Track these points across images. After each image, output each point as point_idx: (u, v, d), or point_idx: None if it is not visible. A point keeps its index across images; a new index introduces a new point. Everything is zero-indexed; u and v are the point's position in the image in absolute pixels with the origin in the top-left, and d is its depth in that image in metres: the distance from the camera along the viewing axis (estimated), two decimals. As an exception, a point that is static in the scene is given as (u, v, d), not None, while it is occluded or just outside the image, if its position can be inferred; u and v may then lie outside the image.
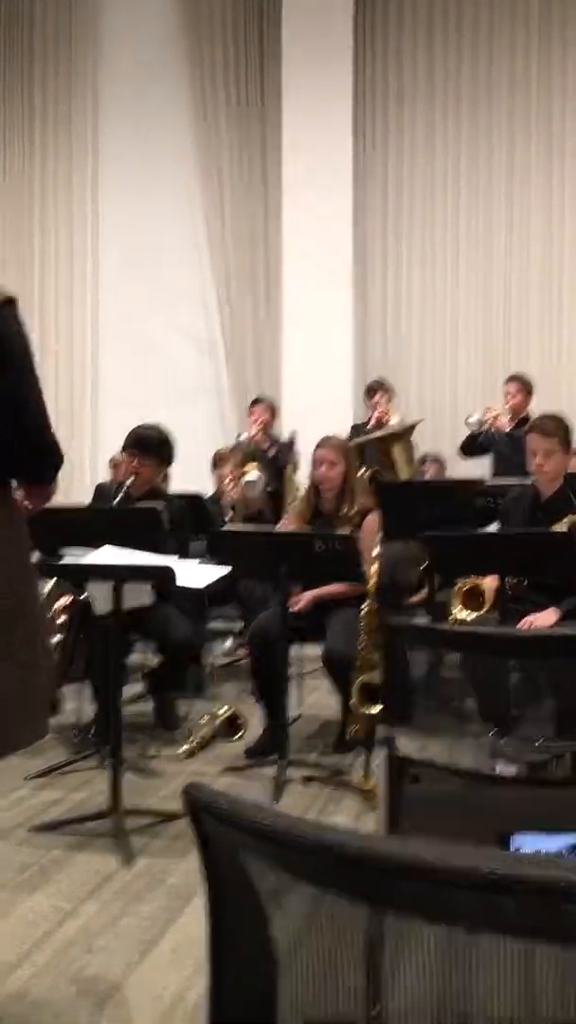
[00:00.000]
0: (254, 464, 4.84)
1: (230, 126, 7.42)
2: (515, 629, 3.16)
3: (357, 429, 6.41)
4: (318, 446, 4.16)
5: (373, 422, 6.19)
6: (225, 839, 0.82)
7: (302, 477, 5.27)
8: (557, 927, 0.78)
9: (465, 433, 6.15)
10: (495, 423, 5.92)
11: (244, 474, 4.69)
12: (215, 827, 0.81)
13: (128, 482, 4.14)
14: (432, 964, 0.90)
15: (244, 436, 6.01)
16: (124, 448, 4.26)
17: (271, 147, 7.35)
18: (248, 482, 4.57)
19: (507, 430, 5.85)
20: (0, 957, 2.38)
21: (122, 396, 7.45)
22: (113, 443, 4.34)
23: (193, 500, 4.96)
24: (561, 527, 3.75)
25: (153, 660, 4.59)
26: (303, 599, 3.88)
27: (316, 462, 4.13)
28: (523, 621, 3.59)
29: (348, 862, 0.71)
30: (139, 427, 4.26)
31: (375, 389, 6.51)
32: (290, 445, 6.23)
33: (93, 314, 7.68)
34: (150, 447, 4.15)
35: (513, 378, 6.18)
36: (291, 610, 3.81)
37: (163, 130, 7.56)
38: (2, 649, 1.88)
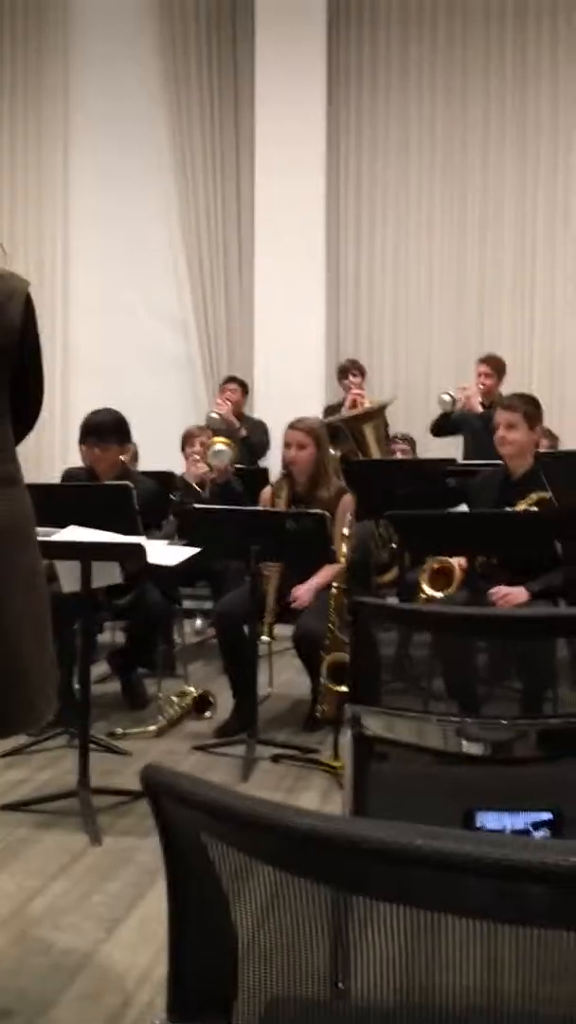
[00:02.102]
0: (224, 439, 4.81)
1: (203, 101, 7.33)
2: (483, 609, 3.18)
3: (331, 410, 6.39)
4: (288, 427, 4.14)
5: (348, 403, 6.18)
6: (185, 820, 0.82)
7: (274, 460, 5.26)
8: (518, 907, 0.78)
9: (437, 413, 6.16)
10: (468, 403, 5.92)
11: (212, 445, 4.67)
12: (175, 808, 0.80)
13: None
14: (397, 943, 0.90)
15: (214, 414, 5.98)
16: (81, 441, 4.22)
17: (244, 126, 7.27)
18: (216, 451, 4.55)
19: (478, 411, 5.86)
20: (-34, 935, 2.38)
21: (92, 369, 7.38)
22: (84, 415, 4.30)
23: (163, 478, 4.93)
24: (529, 504, 3.77)
25: (120, 639, 4.59)
26: (303, 596, 3.84)
27: (286, 444, 4.11)
28: (495, 591, 3.62)
29: (306, 843, 0.71)
30: (90, 416, 4.22)
31: (348, 370, 6.49)
32: (263, 429, 6.22)
33: (64, 287, 7.58)
34: (105, 433, 4.13)
35: (485, 359, 6.19)
36: (293, 606, 3.79)
37: (135, 102, 7.45)
38: (32, 618, 1.93)
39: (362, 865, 0.74)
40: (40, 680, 1.96)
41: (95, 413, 4.23)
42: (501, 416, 3.92)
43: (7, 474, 1.95)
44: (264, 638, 4.00)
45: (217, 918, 0.88)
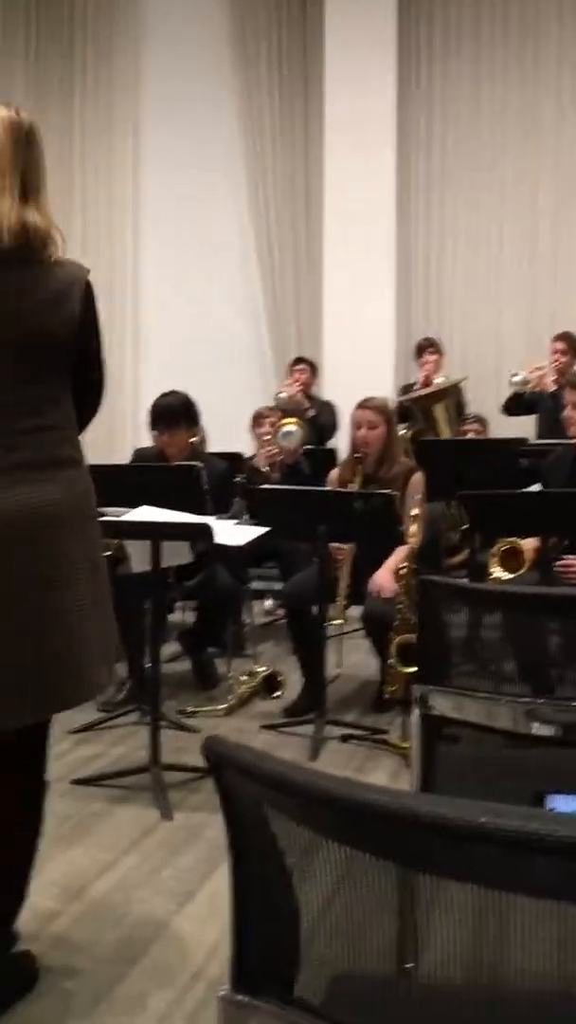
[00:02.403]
0: (293, 419, 4.80)
1: (272, 85, 7.29)
2: (554, 588, 3.12)
3: (407, 389, 6.33)
4: (358, 407, 4.10)
5: (420, 382, 6.12)
6: (247, 793, 0.81)
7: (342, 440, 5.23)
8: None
9: (509, 392, 6.06)
10: (540, 382, 5.81)
11: (282, 426, 4.66)
12: (237, 781, 0.80)
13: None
14: (465, 922, 0.89)
15: (283, 394, 5.96)
16: (151, 426, 4.24)
17: (313, 109, 7.21)
18: (285, 432, 4.53)
19: (552, 390, 5.74)
20: (41, 905, 2.43)
21: (163, 356, 7.44)
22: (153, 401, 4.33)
23: (232, 459, 4.95)
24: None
25: (190, 619, 4.63)
26: (386, 585, 3.71)
27: (356, 424, 4.07)
28: (563, 562, 3.55)
29: (368, 817, 0.70)
30: (157, 400, 4.23)
31: (424, 348, 6.41)
32: (332, 410, 6.19)
33: (134, 274, 7.65)
34: (174, 417, 4.14)
35: (560, 336, 6.06)
36: (381, 596, 3.69)
37: (204, 89, 7.45)
38: (93, 593, 1.96)
39: (425, 841, 0.73)
40: (99, 657, 2.00)
41: (163, 397, 4.25)
42: (570, 396, 3.83)
43: (69, 456, 1.98)
44: (336, 620, 3.98)
45: (280, 892, 0.88)
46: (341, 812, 0.74)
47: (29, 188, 1.89)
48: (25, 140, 1.91)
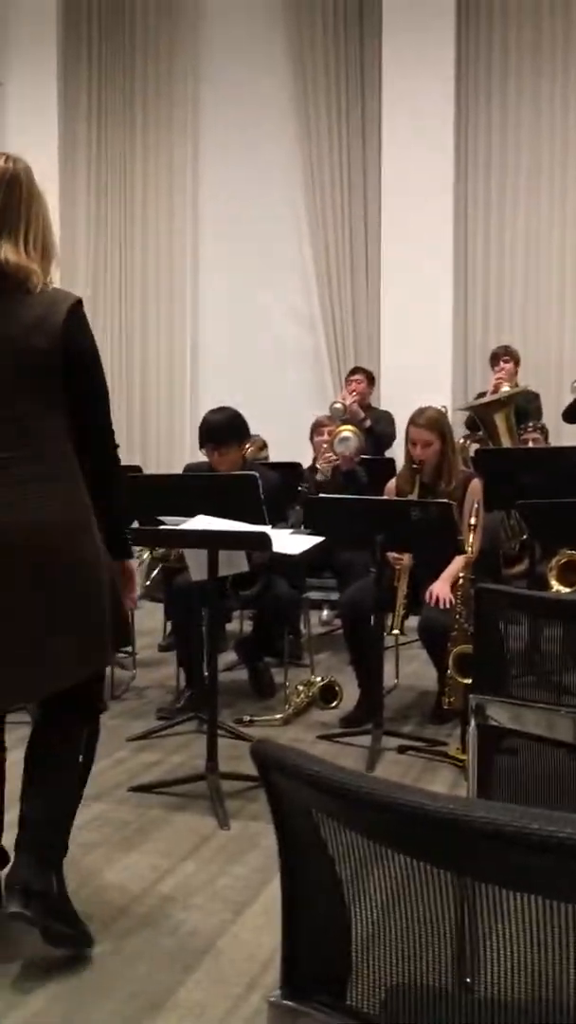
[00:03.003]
0: (349, 427, 4.79)
1: (331, 97, 7.31)
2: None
3: (481, 398, 6.27)
4: (411, 422, 3.99)
5: (490, 389, 6.05)
6: (296, 796, 0.81)
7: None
8: None
9: (570, 400, 5.97)
10: (602, 389, 5.71)
11: (339, 433, 4.65)
12: (285, 783, 0.80)
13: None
14: (524, 935, 0.87)
15: (338, 405, 5.94)
16: (200, 445, 4.20)
17: (371, 119, 7.22)
18: (342, 438, 4.52)
19: (614, 396, 5.65)
20: (98, 911, 2.45)
21: (221, 365, 7.49)
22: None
23: (291, 468, 4.96)
24: None
25: (248, 628, 4.64)
26: (442, 594, 3.68)
27: (412, 442, 3.97)
28: None
29: (416, 822, 0.69)
30: (207, 417, 4.17)
31: (499, 356, 6.34)
32: (389, 419, 6.16)
33: (193, 284, 7.72)
34: (223, 435, 4.08)
35: (622, 343, 5.95)
36: (439, 607, 3.67)
37: (263, 104, 7.50)
38: (102, 585, 2.21)
39: (481, 848, 0.72)
40: (108, 635, 2.26)
41: (211, 413, 4.18)
42: None
43: (63, 471, 2.16)
44: (394, 631, 3.95)
45: (330, 898, 0.88)
46: (392, 817, 0.73)
47: (2, 229, 2.11)
48: (6, 185, 2.13)
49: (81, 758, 2.30)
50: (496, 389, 5.99)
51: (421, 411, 4.03)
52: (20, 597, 2.10)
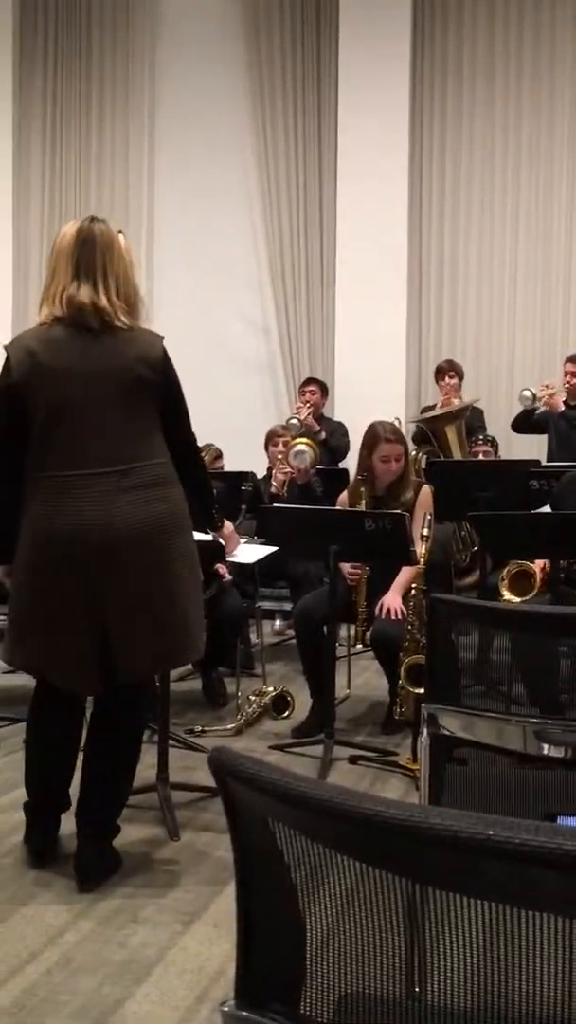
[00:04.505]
0: (305, 439, 4.81)
1: (287, 107, 7.34)
2: (563, 608, 3.10)
3: (428, 411, 6.33)
4: (384, 440, 3.93)
5: (440, 404, 6.11)
6: (252, 804, 0.81)
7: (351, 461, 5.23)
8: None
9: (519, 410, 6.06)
10: (551, 402, 5.80)
11: (294, 446, 4.66)
12: (241, 791, 0.80)
13: None
14: (474, 940, 0.88)
15: (294, 420, 5.94)
16: None
17: (327, 129, 7.26)
18: (297, 452, 4.53)
19: (561, 409, 5.73)
20: (46, 922, 2.42)
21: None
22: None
23: (243, 478, 4.95)
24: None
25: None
26: (393, 606, 3.71)
27: (384, 458, 3.92)
28: None
29: (372, 828, 0.70)
30: None
31: (444, 371, 6.41)
32: (343, 431, 6.19)
33: (148, 292, 7.69)
34: None
35: (572, 358, 6.05)
36: (390, 619, 3.69)
37: (218, 110, 7.50)
38: (192, 580, 2.63)
39: (430, 854, 0.73)
40: (196, 630, 2.65)
41: None
42: None
43: (168, 475, 2.60)
44: (357, 644, 3.96)
45: (286, 907, 0.88)
46: (352, 825, 0.73)
47: (81, 273, 2.56)
48: (82, 242, 2.59)
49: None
50: (447, 403, 6.05)
51: (388, 426, 4.02)
52: (149, 582, 2.51)
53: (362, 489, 3.96)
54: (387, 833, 0.70)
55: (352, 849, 0.77)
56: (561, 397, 5.81)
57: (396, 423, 4.36)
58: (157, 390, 2.59)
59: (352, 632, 4.06)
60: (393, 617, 3.69)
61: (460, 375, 6.39)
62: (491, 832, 0.65)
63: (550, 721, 1.98)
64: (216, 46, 7.49)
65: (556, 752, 1.96)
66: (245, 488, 4.66)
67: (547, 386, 5.86)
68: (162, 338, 2.64)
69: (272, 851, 0.85)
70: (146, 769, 3.34)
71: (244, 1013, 0.86)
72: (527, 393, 5.85)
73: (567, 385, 5.90)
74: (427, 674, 2.07)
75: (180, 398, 2.69)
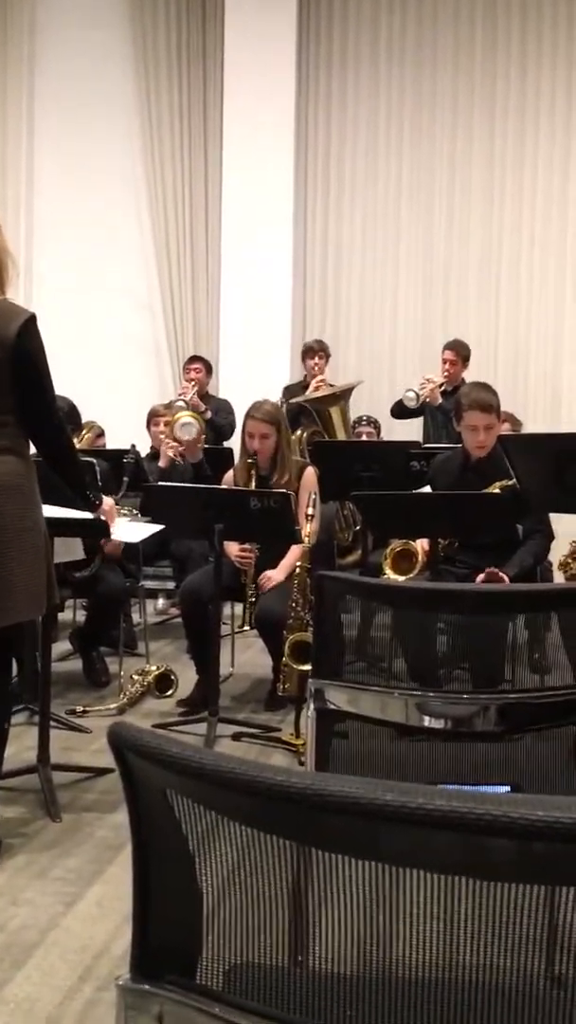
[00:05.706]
0: (189, 412, 4.77)
1: (172, 85, 7.23)
2: (443, 584, 3.20)
3: (290, 390, 6.37)
4: (249, 416, 4.03)
5: (311, 388, 6.15)
6: (151, 777, 0.81)
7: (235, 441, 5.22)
8: (480, 862, 0.79)
9: (402, 395, 6.17)
10: (431, 394, 5.93)
11: (179, 419, 4.62)
12: (140, 765, 0.79)
13: None
14: (359, 905, 0.90)
15: (180, 401, 5.88)
16: None
17: (212, 109, 7.20)
18: (183, 423, 4.49)
19: (440, 402, 5.87)
20: None
21: (55, 352, 7.25)
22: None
23: (123, 454, 4.86)
24: (493, 490, 3.79)
25: (82, 618, 4.56)
26: (272, 580, 3.80)
27: (249, 434, 4.02)
28: (482, 576, 3.63)
29: (273, 798, 0.71)
30: None
31: (314, 351, 6.46)
32: (228, 409, 6.18)
33: (27, 269, 7.45)
34: None
35: (450, 345, 6.20)
36: (262, 592, 3.78)
37: (102, 88, 7.33)
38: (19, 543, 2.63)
39: (329, 821, 0.74)
40: (26, 595, 2.65)
41: None
42: (479, 419, 3.85)
43: (4, 445, 2.60)
44: (245, 627, 3.99)
45: (183, 878, 0.88)
46: (246, 794, 0.74)
47: None
48: None
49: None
50: (318, 386, 6.08)
51: (258, 405, 4.08)
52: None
53: (253, 470, 3.98)
54: (292, 801, 0.72)
55: (255, 819, 0.79)
56: (439, 391, 5.93)
57: (279, 404, 4.38)
58: (6, 367, 2.62)
59: (238, 611, 4.08)
60: (268, 586, 3.75)
61: (327, 356, 6.43)
62: (389, 797, 0.67)
63: (431, 693, 2.04)
64: (100, 22, 7.31)
65: (436, 724, 2.02)
66: (127, 460, 4.59)
67: (428, 380, 5.98)
68: (27, 315, 2.68)
69: (169, 823, 0.85)
70: (27, 750, 3.29)
71: (141, 986, 0.86)
72: (411, 394, 5.94)
73: (446, 373, 6.04)
74: (313, 649, 2.10)
75: (39, 376, 2.69)
